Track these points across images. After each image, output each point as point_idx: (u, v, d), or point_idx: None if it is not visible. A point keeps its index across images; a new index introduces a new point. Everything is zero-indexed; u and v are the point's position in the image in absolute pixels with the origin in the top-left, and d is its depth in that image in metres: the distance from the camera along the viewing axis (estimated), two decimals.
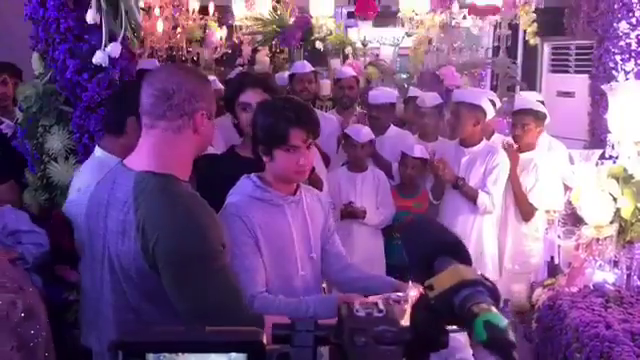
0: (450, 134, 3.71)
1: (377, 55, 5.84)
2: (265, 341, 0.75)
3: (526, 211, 3.52)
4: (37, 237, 2.50)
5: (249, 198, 2.00)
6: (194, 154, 1.67)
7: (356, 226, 3.52)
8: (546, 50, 6.58)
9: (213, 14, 6.40)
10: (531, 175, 3.49)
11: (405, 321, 1.76)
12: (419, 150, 3.58)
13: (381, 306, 0.81)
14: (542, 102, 3.84)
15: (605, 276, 2.61)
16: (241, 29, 6.25)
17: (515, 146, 3.55)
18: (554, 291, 2.62)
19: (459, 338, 3.21)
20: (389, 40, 5.86)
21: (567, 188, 3.31)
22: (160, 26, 5.84)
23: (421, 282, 0.84)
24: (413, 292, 1.89)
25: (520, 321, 2.85)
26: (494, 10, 4.85)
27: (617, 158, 2.80)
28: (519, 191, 3.50)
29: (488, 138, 3.69)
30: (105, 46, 2.55)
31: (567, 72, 6.40)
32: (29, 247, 2.48)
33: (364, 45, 5.65)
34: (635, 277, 2.56)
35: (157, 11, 5.91)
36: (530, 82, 6.13)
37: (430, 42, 5.19)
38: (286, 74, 4.66)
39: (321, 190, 2.73)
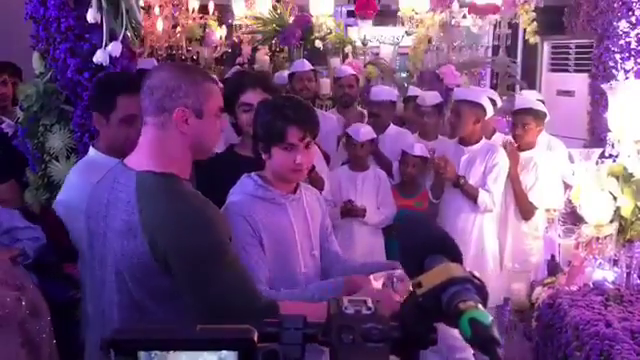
0: (451, 133, 3.72)
1: (377, 54, 5.84)
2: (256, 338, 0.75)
3: (526, 210, 3.52)
4: (33, 232, 2.52)
5: (251, 197, 2.01)
6: (188, 153, 1.65)
7: (357, 225, 3.53)
8: (546, 49, 6.58)
9: (213, 13, 6.40)
10: (531, 174, 3.50)
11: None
12: (419, 148, 3.59)
13: (369, 304, 0.82)
14: (542, 101, 3.84)
15: (605, 274, 2.61)
16: (241, 28, 6.25)
17: (515, 145, 3.56)
18: (554, 289, 2.63)
19: (460, 337, 3.22)
20: (389, 39, 5.86)
21: (567, 187, 3.32)
22: (160, 25, 5.84)
23: (412, 279, 0.84)
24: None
25: (520, 319, 2.86)
26: (494, 9, 4.85)
27: (617, 157, 2.81)
28: (519, 190, 3.50)
29: (489, 137, 3.70)
30: (106, 45, 2.55)
31: (567, 71, 6.41)
32: (28, 242, 2.50)
33: (364, 44, 5.64)
34: (635, 275, 2.56)
35: (157, 10, 5.91)
36: (530, 81, 6.14)
37: (430, 41, 5.19)
38: (285, 73, 4.67)
39: (322, 189, 2.73)
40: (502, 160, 3.44)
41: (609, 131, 2.93)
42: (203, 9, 6.33)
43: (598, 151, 2.78)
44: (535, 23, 5.05)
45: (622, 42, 5.06)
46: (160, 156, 1.61)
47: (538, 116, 3.56)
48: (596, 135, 5.17)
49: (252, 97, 2.42)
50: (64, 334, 2.50)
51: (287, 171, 2.01)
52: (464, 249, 3.39)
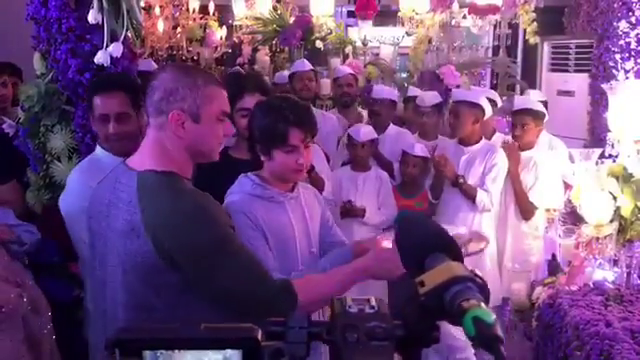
0: (450, 133, 3.72)
1: (377, 54, 5.84)
2: (260, 336, 0.76)
3: (526, 210, 3.53)
4: (27, 227, 2.53)
5: (249, 196, 2.02)
6: (187, 155, 1.64)
7: (357, 226, 3.53)
8: (546, 49, 6.59)
9: (213, 13, 6.40)
10: (531, 174, 3.51)
11: None
12: (420, 148, 3.60)
13: (373, 302, 0.82)
14: (545, 102, 3.86)
15: (605, 274, 2.62)
16: (241, 28, 6.25)
17: (516, 145, 3.57)
18: (554, 289, 2.63)
19: (460, 337, 3.24)
20: (389, 39, 5.87)
21: (567, 187, 3.33)
22: (160, 26, 5.84)
23: (413, 278, 0.85)
24: None
25: (520, 319, 2.86)
26: (494, 9, 4.86)
27: (617, 157, 2.81)
28: (520, 189, 3.51)
29: (489, 137, 3.71)
30: (107, 46, 2.55)
31: (567, 71, 6.41)
32: (23, 233, 2.51)
33: (364, 44, 5.65)
34: (635, 275, 2.57)
35: (157, 10, 5.90)
36: (530, 81, 6.14)
37: (430, 41, 5.19)
38: (286, 73, 4.68)
39: (322, 190, 2.74)
40: (501, 160, 3.45)
41: (609, 131, 2.93)
42: (203, 9, 6.33)
43: (598, 151, 2.79)
44: (535, 23, 5.05)
45: (622, 42, 5.07)
46: (161, 156, 1.62)
47: (537, 116, 3.57)
48: (596, 135, 5.18)
49: (250, 102, 2.39)
50: (68, 333, 2.52)
51: (289, 172, 2.02)
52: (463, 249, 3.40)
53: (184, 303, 1.55)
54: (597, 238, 2.59)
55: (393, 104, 4.11)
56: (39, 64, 2.79)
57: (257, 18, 5.93)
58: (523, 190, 3.51)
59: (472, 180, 3.47)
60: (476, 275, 0.80)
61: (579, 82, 6.00)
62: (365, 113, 4.34)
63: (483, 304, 0.74)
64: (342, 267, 1.78)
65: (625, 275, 2.58)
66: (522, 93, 4.94)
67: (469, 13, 5.00)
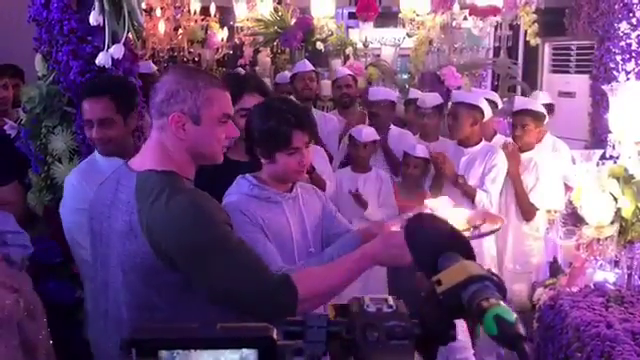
0: (450, 135, 3.73)
1: (378, 56, 5.85)
2: (275, 335, 0.76)
3: (527, 211, 3.53)
4: (23, 239, 2.52)
5: (247, 197, 2.03)
6: (189, 157, 1.64)
7: (357, 222, 3.52)
8: (547, 50, 6.59)
9: (214, 15, 6.41)
10: (531, 175, 3.52)
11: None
12: (421, 150, 3.60)
13: (391, 301, 0.83)
14: (552, 104, 3.87)
15: (606, 276, 2.62)
16: (242, 30, 6.26)
17: (516, 146, 3.57)
18: (555, 291, 2.63)
19: (460, 338, 3.23)
20: (390, 41, 5.87)
21: (568, 188, 3.33)
22: (161, 27, 5.85)
23: (427, 277, 0.85)
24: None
25: (521, 320, 2.86)
26: (495, 11, 4.86)
27: (618, 158, 2.81)
28: (520, 190, 3.52)
29: (490, 139, 3.71)
30: (108, 47, 2.56)
31: (568, 72, 6.41)
32: (16, 249, 2.49)
33: (365, 46, 5.66)
34: (636, 277, 2.57)
35: (158, 12, 5.92)
36: (531, 82, 6.14)
37: (431, 43, 5.19)
38: (287, 73, 4.69)
39: (323, 191, 2.74)
40: (501, 161, 3.46)
41: (610, 132, 2.93)
42: (205, 11, 6.34)
43: (599, 152, 2.79)
44: (536, 25, 5.05)
45: (623, 43, 5.07)
46: (161, 157, 1.62)
47: (537, 117, 3.58)
48: (597, 136, 5.18)
49: (250, 101, 2.38)
50: (68, 334, 2.52)
51: (292, 173, 2.03)
52: None
53: (186, 301, 1.56)
54: (598, 239, 2.59)
55: (392, 105, 4.09)
56: (41, 66, 2.79)
57: (258, 19, 5.94)
58: (524, 191, 3.51)
59: (472, 181, 3.48)
60: (492, 274, 0.81)
61: (580, 83, 6.00)
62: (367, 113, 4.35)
63: (502, 302, 0.75)
64: (349, 255, 1.73)
65: (626, 276, 2.58)
66: (523, 94, 4.94)
67: (470, 14, 4.99)
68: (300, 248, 2.08)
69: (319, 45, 5.50)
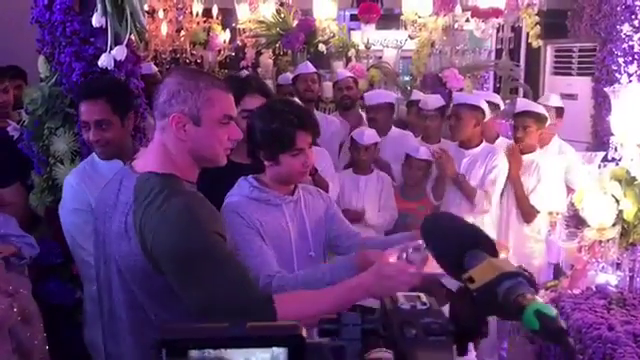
0: (452, 136, 3.73)
1: (380, 58, 5.85)
2: (305, 333, 0.76)
3: (527, 213, 3.53)
4: (28, 239, 2.53)
5: (246, 199, 2.03)
6: (191, 159, 1.63)
7: (357, 228, 3.52)
8: (549, 52, 6.58)
9: (217, 17, 6.42)
10: (533, 176, 3.51)
11: (430, 268, 1.68)
12: (424, 152, 3.59)
13: (424, 299, 0.84)
14: (562, 108, 3.87)
15: (608, 278, 2.61)
16: (244, 32, 6.27)
17: (517, 148, 3.58)
18: (557, 293, 2.63)
19: None
20: (392, 43, 5.88)
21: (570, 190, 3.33)
22: (164, 29, 5.86)
23: (453, 275, 0.86)
24: None
25: None
26: (497, 13, 4.86)
27: (620, 160, 2.81)
28: (520, 192, 3.52)
29: (492, 142, 3.71)
30: (110, 49, 2.56)
31: (570, 74, 6.40)
32: (25, 246, 2.51)
33: (367, 48, 5.66)
34: (638, 279, 2.57)
35: (161, 14, 5.93)
36: (533, 84, 6.14)
37: (433, 45, 5.19)
38: (290, 74, 4.69)
39: (326, 192, 2.74)
40: (502, 162, 3.46)
41: (612, 134, 2.93)
42: (207, 13, 6.35)
43: (601, 154, 2.79)
44: (538, 27, 5.06)
45: (625, 46, 5.07)
46: (163, 159, 1.62)
47: (539, 119, 3.57)
48: (599, 138, 5.18)
49: (251, 102, 2.38)
50: (68, 335, 2.52)
51: (296, 174, 2.03)
52: None
53: (177, 304, 1.54)
54: (600, 242, 2.59)
55: (390, 106, 4.06)
56: (43, 67, 2.80)
57: (260, 21, 5.95)
58: (524, 193, 3.51)
59: (473, 183, 3.49)
60: (523, 269, 0.82)
61: (582, 85, 5.99)
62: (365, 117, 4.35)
63: (538, 297, 0.76)
64: (342, 283, 1.68)
65: (628, 279, 2.58)
66: (525, 96, 4.94)
67: (472, 16, 5.00)
68: (299, 252, 2.07)
69: (321, 47, 5.51)
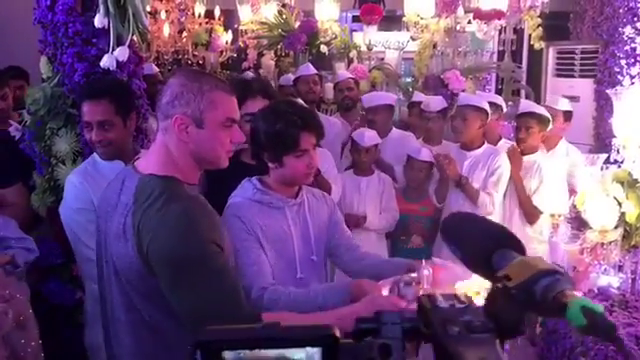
0: (455, 137, 3.72)
1: (382, 59, 5.85)
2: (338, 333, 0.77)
3: (530, 213, 3.52)
4: (27, 243, 2.52)
5: (249, 201, 2.02)
6: (192, 161, 1.63)
7: (358, 230, 3.52)
8: (551, 54, 6.59)
9: (219, 18, 6.42)
10: (535, 178, 3.51)
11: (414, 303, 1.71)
12: (426, 153, 3.59)
13: (462, 297, 0.84)
14: (570, 112, 3.87)
15: (610, 280, 2.61)
16: (246, 33, 6.27)
17: (518, 149, 3.58)
18: None
19: None
20: (394, 44, 5.88)
21: (572, 192, 3.32)
22: (166, 30, 5.86)
23: (481, 275, 0.87)
24: (426, 271, 1.90)
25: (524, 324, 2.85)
26: (499, 14, 4.86)
27: (622, 162, 2.81)
28: (522, 193, 3.51)
29: (494, 143, 3.71)
30: (113, 50, 2.57)
31: (572, 76, 6.40)
32: (21, 251, 2.49)
33: (369, 49, 5.66)
34: None
35: (163, 15, 5.93)
36: (535, 86, 6.13)
37: (435, 46, 5.19)
38: (291, 76, 4.69)
39: (329, 194, 2.74)
40: (504, 163, 3.46)
41: (614, 137, 2.93)
42: (209, 14, 6.35)
43: (603, 156, 2.78)
44: (540, 28, 5.05)
45: (627, 48, 5.08)
46: (165, 161, 1.62)
47: (542, 120, 3.57)
48: (601, 140, 5.18)
49: (253, 106, 2.38)
50: (68, 335, 2.52)
51: (300, 176, 2.02)
52: None
53: (171, 306, 1.53)
54: (602, 244, 2.58)
55: (389, 108, 4.03)
56: (45, 68, 2.80)
57: (262, 23, 5.95)
58: (526, 194, 3.51)
59: (476, 184, 3.48)
60: (559, 266, 0.82)
61: (584, 87, 5.99)
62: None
63: (578, 294, 0.76)
64: (335, 311, 1.67)
65: (630, 281, 2.57)
66: (527, 98, 4.94)
67: (474, 18, 4.99)
68: (302, 255, 2.06)
69: (323, 48, 5.51)
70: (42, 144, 2.73)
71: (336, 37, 5.66)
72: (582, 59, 6.21)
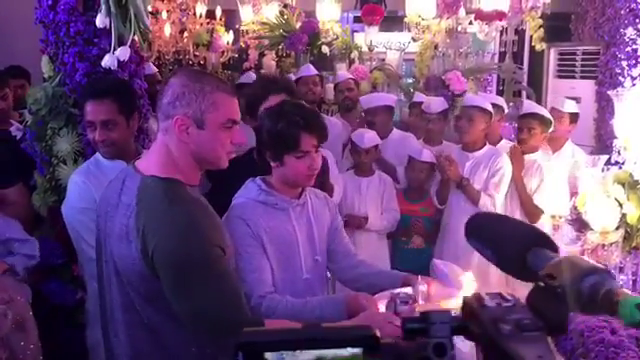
0: (460, 137, 3.71)
1: (383, 60, 5.85)
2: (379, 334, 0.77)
3: (531, 213, 3.52)
4: (29, 248, 2.51)
5: (254, 202, 2.02)
6: (192, 161, 1.62)
7: (359, 231, 3.52)
8: (552, 55, 6.58)
9: (220, 18, 6.42)
10: (536, 177, 3.52)
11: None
12: (428, 154, 3.59)
13: (507, 296, 0.83)
14: (577, 114, 3.87)
15: None
16: (248, 33, 6.27)
17: (519, 149, 3.58)
18: None
19: (466, 351, 3.22)
20: (395, 45, 5.88)
21: (573, 193, 3.32)
22: (167, 30, 5.87)
23: (514, 275, 0.87)
24: (422, 287, 1.90)
25: None
26: (500, 15, 4.85)
27: (623, 164, 2.81)
28: (524, 193, 3.52)
29: (495, 144, 3.71)
30: (114, 49, 2.57)
31: (573, 77, 6.40)
32: (21, 258, 2.49)
33: (370, 50, 5.66)
34: None
35: (164, 15, 5.93)
36: (536, 87, 6.13)
37: (436, 47, 5.19)
38: (292, 76, 4.69)
39: (331, 195, 2.73)
40: (505, 164, 3.46)
41: (615, 138, 2.93)
42: (210, 14, 6.35)
43: (604, 158, 2.78)
44: (542, 30, 5.05)
45: (629, 49, 5.07)
46: (166, 161, 1.62)
47: (544, 121, 3.59)
48: (602, 142, 5.17)
49: (276, 101, 2.39)
50: (69, 335, 2.52)
51: (301, 177, 2.01)
52: (468, 255, 3.40)
53: (171, 309, 1.54)
54: (603, 245, 2.58)
55: (388, 109, 4.01)
56: (47, 67, 2.81)
57: (264, 23, 5.95)
58: (527, 194, 3.51)
59: (477, 186, 3.48)
60: (602, 265, 0.82)
61: (585, 89, 5.98)
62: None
63: (627, 291, 0.76)
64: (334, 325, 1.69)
65: (631, 282, 2.57)
66: (528, 99, 4.94)
67: (475, 19, 4.99)
68: (306, 256, 2.06)
69: (324, 49, 5.51)
70: (43, 144, 2.73)
71: (337, 38, 5.66)
72: (583, 60, 6.20)
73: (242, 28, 6.34)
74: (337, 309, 1.85)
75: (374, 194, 3.57)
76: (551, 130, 3.67)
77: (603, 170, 2.72)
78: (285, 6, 6.11)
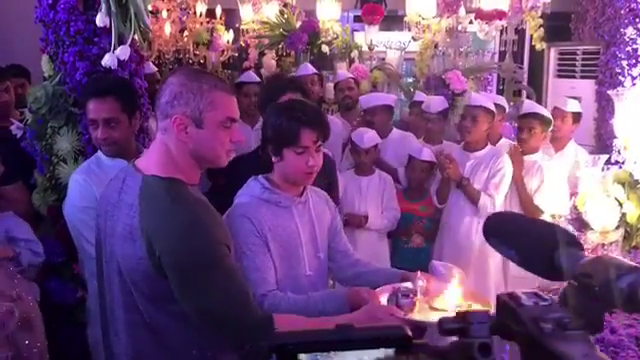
0: (463, 136, 3.71)
1: (383, 59, 5.85)
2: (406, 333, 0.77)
3: (532, 213, 3.51)
4: (35, 246, 2.52)
5: (257, 200, 2.02)
6: (192, 160, 1.62)
7: (359, 230, 3.53)
8: (552, 55, 6.58)
9: (220, 17, 6.41)
10: (536, 177, 3.51)
11: (414, 314, 1.77)
12: (428, 153, 3.59)
13: (543, 295, 0.83)
14: (580, 113, 3.88)
15: None
16: (248, 32, 6.27)
17: (519, 149, 3.58)
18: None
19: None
20: (395, 44, 5.87)
21: (573, 193, 3.32)
22: (167, 29, 5.86)
23: (541, 274, 0.87)
24: (421, 282, 1.93)
25: None
26: (500, 15, 4.85)
27: (623, 163, 2.81)
28: (524, 193, 3.51)
29: (495, 143, 3.71)
30: (114, 49, 2.57)
31: (573, 77, 6.40)
32: (27, 252, 2.50)
33: (370, 49, 5.66)
34: None
35: (164, 14, 5.92)
36: (536, 87, 6.13)
37: (436, 46, 5.18)
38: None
39: (337, 198, 2.74)
40: (506, 165, 3.46)
41: (615, 137, 2.93)
42: (210, 13, 6.34)
43: (604, 157, 2.78)
44: (542, 29, 5.05)
45: (629, 49, 5.07)
46: (166, 161, 1.62)
47: (544, 121, 3.59)
48: (602, 141, 5.17)
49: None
50: (69, 334, 2.52)
51: (299, 174, 2.02)
52: (467, 254, 3.39)
53: (174, 309, 1.55)
54: (603, 245, 2.58)
55: (387, 108, 4.01)
56: (47, 66, 2.81)
57: (264, 22, 5.94)
58: (527, 194, 3.51)
59: (477, 186, 3.47)
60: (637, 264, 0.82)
61: (585, 88, 5.98)
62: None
63: None
64: (337, 318, 1.69)
65: None
66: (528, 99, 4.94)
67: (476, 18, 4.99)
68: (309, 253, 2.08)
69: (324, 48, 5.50)
70: (43, 143, 2.74)
71: (337, 37, 5.66)
72: (583, 60, 6.21)
73: (242, 27, 6.33)
74: (339, 303, 1.86)
75: (374, 193, 3.57)
76: (551, 129, 3.67)
77: (603, 170, 2.72)
78: (285, 5, 6.11)
